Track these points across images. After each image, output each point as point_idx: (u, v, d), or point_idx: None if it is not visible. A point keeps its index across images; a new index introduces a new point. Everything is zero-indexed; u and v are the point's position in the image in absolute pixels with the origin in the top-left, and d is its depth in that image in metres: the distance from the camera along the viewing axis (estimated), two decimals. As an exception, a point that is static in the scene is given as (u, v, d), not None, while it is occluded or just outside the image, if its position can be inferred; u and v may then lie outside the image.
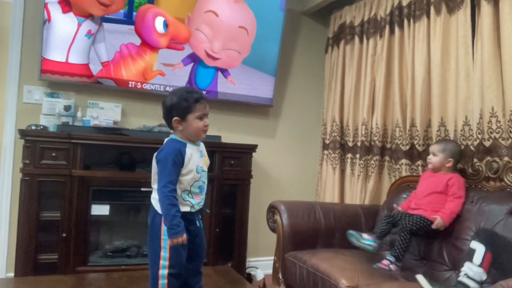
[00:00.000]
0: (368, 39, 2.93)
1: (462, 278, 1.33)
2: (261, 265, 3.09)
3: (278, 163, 3.35)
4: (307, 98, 3.50)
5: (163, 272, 1.52)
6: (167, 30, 2.26)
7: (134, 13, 2.24)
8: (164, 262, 1.52)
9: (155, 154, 1.61)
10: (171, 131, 1.67)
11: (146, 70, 2.38)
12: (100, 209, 2.45)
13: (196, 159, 1.60)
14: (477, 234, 1.43)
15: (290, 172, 3.40)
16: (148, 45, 2.35)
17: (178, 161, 1.53)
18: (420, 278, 1.48)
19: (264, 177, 3.26)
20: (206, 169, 1.65)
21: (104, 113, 2.68)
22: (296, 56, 3.46)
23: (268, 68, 3.13)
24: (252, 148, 2.85)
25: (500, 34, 1.98)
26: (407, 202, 2.15)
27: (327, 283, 1.77)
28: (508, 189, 1.86)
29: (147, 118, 2.86)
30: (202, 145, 1.69)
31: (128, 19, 2.33)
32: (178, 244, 1.48)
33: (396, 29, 2.67)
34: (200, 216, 1.68)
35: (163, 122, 2.73)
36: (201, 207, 1.65)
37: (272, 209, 2.31)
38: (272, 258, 2.32)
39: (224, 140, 2.82)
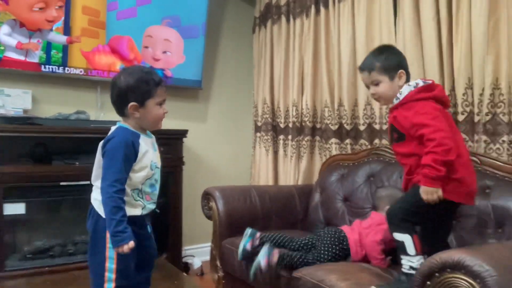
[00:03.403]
0: (294, 18, 2.92)
1: (409, 271, 1.36)
2: (198, 252, 3.02)
3: (210, 148, 3.27)
4: (237, 79, 3.43)
5: (109, 286, 1.32)
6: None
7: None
8: (110, 274, 1.32)
9: (100, 143, 1.37)
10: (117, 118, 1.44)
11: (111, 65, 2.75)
12: (15, 208, 2.22)
13: (151, 154, 1.39)
14: (392, 222, 1.44)
15: (223, 156, 3.33)
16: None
17: (130, 155, 1.31)
18: None
19: (197, 162, 3.16)
20: (160, 165, 1.45)
21: (12, 100, 2.38)
22: (223, 36, 3.36)
23: (195, 48, 3.01)
24: (182, 133, 2.75)
25: (420, 14, 2.06)
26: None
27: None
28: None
29: (62, 105, 2.60)
30: (153, 137, 1.48)
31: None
32: (124, 253, 1.28)
33: (322, 9, 2.68)
34: (149, 219, 1.49)
35: (81, 109, 2.58)
36: (152, 209, 1.45)
37: (207, 196, 2.24)
38: (209, 244, 2.27)
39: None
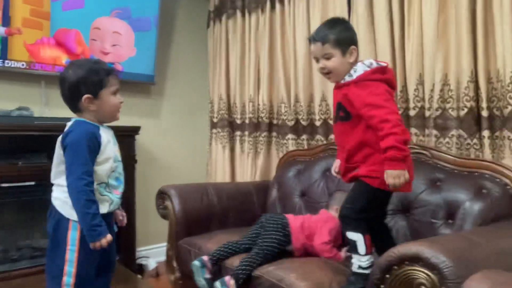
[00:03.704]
0: (250, 13, 2.89)
1: (358, 270, 1.36)
2: (153, 253, 2.93)
3: (165, 145, 3.17)
4: (191, 74, 3.35)
5: None
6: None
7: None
8: (68, 279, 1.23)
9: (59, 139, 1.29)
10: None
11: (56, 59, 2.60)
12: None
13: (112, 145, 1.35)
14: (345, 222, 1.43)
15: (178, 153, 3.24)
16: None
17: (92, 147, 1.25)
18: None
19: (151, 160, 3.06)
20: (120, 159, 1.40)
21: None
22: (176, 30, 3.26)
23: (147, 41, 2.90)
24: (135, 130, 2.64)
25: (373, 12, 2.10)
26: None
27: (222, 267, 1.71)
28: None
29: (2, 101, 2.42)
30: (112, 131, 1.42)
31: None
32: (102, 247, 1.21)
33: (277, 4, 2.68)
34: (113, 219, 1.42)
35: (23, 105, 2.40)
36: (118, 205, 1.39)
37: (162, 195, 2.16)
38: (165, 244, 2.19)
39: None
